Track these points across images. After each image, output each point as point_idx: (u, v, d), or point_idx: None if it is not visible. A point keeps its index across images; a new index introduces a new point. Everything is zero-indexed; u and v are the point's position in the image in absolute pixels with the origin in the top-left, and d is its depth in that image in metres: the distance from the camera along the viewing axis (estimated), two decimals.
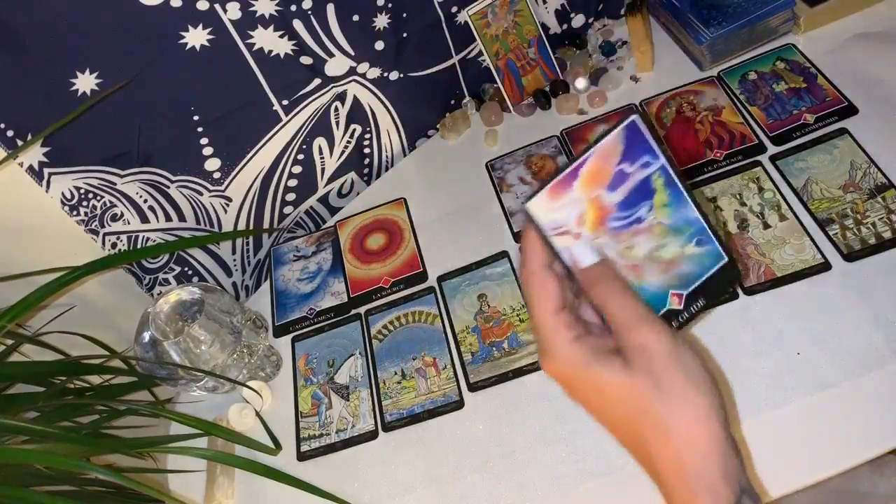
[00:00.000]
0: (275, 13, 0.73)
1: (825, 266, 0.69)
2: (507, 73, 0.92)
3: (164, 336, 0.71)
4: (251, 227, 0.92)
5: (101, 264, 0.75)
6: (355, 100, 0.87)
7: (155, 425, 0.88)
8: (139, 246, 0.84)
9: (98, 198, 0.78)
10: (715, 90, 0.85)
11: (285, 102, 0.82)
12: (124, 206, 0.80)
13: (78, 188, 0.76)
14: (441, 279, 0.82)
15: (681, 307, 0.41)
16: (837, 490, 0.82)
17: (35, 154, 0.72)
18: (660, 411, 0.36)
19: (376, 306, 0.83)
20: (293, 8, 0.73)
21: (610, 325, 0.38)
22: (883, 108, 0.77)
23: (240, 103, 0.79)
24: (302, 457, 0.74)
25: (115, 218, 0.81)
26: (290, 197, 0.93)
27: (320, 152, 0.90)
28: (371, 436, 0.73)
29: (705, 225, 0.41)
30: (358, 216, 0.93)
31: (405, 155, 0.98)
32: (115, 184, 0.78)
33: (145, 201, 0.81)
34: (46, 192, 0.75)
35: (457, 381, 0.74)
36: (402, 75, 0.87)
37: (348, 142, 0.92)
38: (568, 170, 0.39)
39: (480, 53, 0.92)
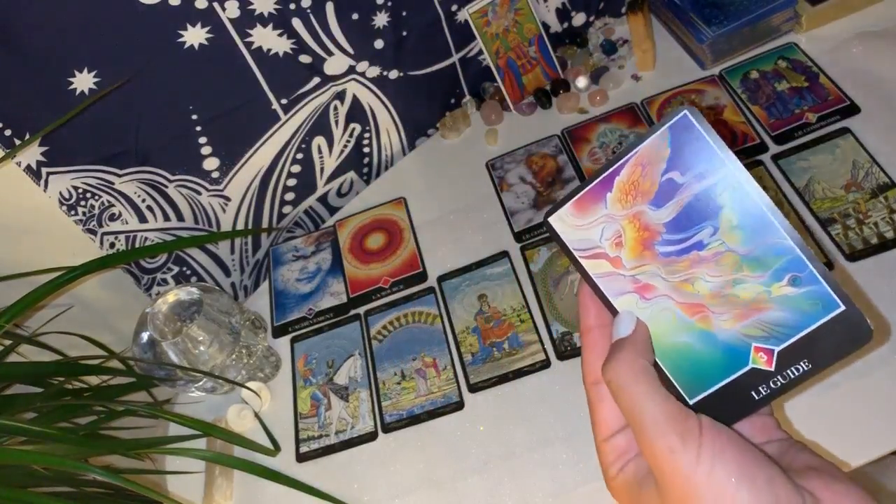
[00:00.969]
0: (274, 11, 0.72)
1: (828, 266, 0.68)
2: (507, 72, 0.92)
3: (163, 336, 0.71)
4: (250, 226, 0.92)
5: (99, 264, 0.75)
6: (355, 99, 0.87)
7: (153, 426, 0.88)
8: (137, 246, 0.84)
9: (96, 197, 0.78)
10: (717, 89, 0.85)
11: (284, 101, 0.81)
12: (122, 205, 0.80)
13: (76, 188, 0.76)
14: (441, 279, 0.82)
15: (771, 368, 0.30)
16: None
17: (33, 153, 0.72)
18: None
19: (376, 306, 0.83)
20: (292, 6, 0.73)
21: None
22: (885, 108, 0.77)
23: (238, 102, 0.78)
24: (301, 458, 0.74)
25: (113, 217, 0.80)
26: (289, 196, 0.92)
27: (319, 151, 0.90)
28: (370, 437, 0.73)
29: (803, 257, 0.29)
30: (357, 216, 0.92)
31: (405, 154, 0.98)
32: (113, 183, 0.78)
33: (143, 201, 0.81)
34: (44, 191, 0.74)
35: (457, 381, 0.74)
36: (401, 74, 0.87)
37: (348, 141, 0.91)
38: (598, 179, 0.31)
39: (481, 52, 0.92)
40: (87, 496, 0.75)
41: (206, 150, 0.81)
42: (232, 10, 0.70)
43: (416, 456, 0.70)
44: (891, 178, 0.71)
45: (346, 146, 0.92)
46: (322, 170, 0.93)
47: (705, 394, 0.31)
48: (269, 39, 0.75)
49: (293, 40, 0.76)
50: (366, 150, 0.94)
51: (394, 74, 0.86)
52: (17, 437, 0.63)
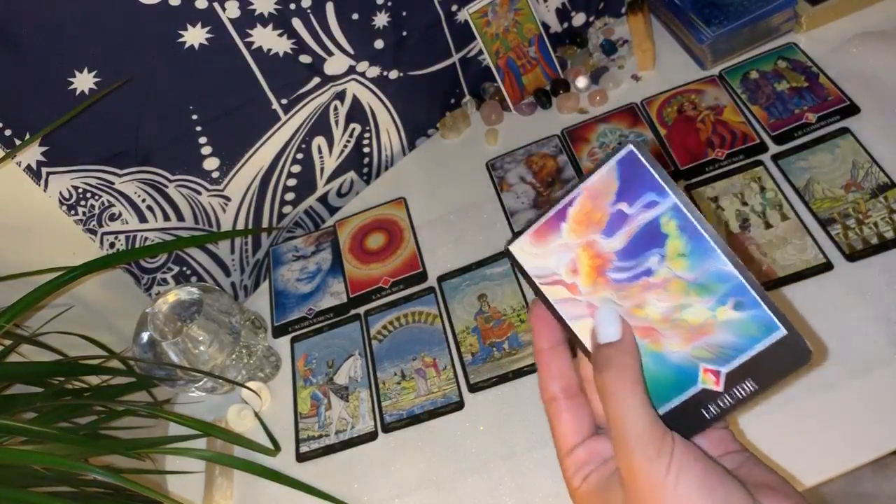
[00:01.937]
0: (274, 12, 0.73)
1: (827, 266, 0.68)
2: (507, 72, 0.92)
3: (163, 336, 0.71)
4: (250, 226, 0.92)
5: (99, 264, 0.75)
6: (355, 99, 0.87)
7: (153, 426, 0.88)
8: (137, 245, 0.84)
9: (96, 197, 0.78)
10: (716, 89, 0.85)
11: (284, 101, 0.81)
12: (122, 205, 0.80)
13: (76, 187, 0.76)
14: (441, 279, 0.82)
15: (720, 388, 0.32)
16: (840, 492, 0.82)
17: (33, 153, 0.72)
18: None
19: (376, 306, 0.83)
20: (292, 6, 0.73)
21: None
22: (885, 107, 0.77)
23: (239, 102, 0.78)
24: (301, 458, 0.74)
25: (113, 217, 0.80)
26: (290, 196, 0.92)
27: (319, 151, 0.90)
28: (370, 437, 0.73)
29: (745, 283, 0.31)
30: (357, 216, 0.92)
31: (405, 154, 0.98)
32: (113, 183, 0.78)
33: (143, 201, 0.81)
34: (44, 191, 0.74)
35: (457, 381, 0.74)
36: (401, 74, 0.87)
37: (348, 141, 0.91)
38: (553, 210, 0.33)
39: (481, 52, 0.92)
40: (88, 496, 0.75)
41: (206, 150, 0.81)
42: (232, 11, 0.70)
43: (416, 456, 0.70)
44: (890, 178, 0.71)
45: (346, 146, 0.92)
46: (322, 170, 0.93)
47: (660, 412, 0.32)
48: (269, 39, 0.75)
49: (293, 40, 0.76)
50: (366, 150, 0.94)
51: (394, 74, 0.86)
52: (17, 436, 0.63)
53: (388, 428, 0.73)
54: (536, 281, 0.34)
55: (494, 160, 0.90)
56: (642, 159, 0.31)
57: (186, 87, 0.74)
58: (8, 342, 0.77)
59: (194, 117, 0.77)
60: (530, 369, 0.71)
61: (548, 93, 0.93)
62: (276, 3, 0.72)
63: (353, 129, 0.91)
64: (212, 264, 0.92)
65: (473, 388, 0.73)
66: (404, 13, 0.81)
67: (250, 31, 0.73)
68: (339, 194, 0.98)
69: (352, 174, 0.96)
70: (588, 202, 0.32)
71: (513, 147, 0.90)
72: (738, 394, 0.31)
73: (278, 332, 0.85)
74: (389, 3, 0.79)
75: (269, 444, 0.75)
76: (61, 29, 0.65)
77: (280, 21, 0.74)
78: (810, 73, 0.82)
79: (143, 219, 0.82)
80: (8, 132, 0.68)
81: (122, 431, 0.82)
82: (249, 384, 0.77)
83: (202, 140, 0.80)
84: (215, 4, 0.69)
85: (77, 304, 0.83)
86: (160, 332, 0.71)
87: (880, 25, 0.83)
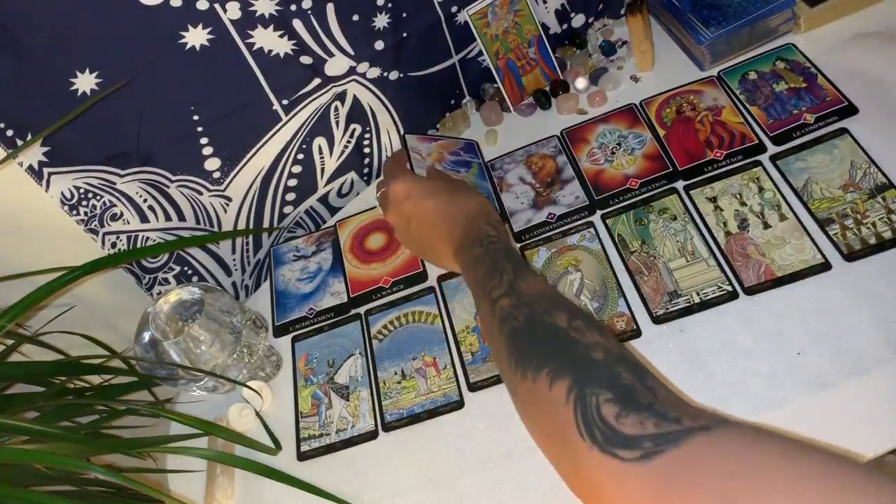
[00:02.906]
0: (275, 13, 0.73)
1: (825, 266, 0.69)
2: (507, 73, 0.92)
3: (164, 336, 0.71)
4: (251, 226, 0.92)
5: (100, 264, 0.75)
6: (355, 99, 0.87)
7: (155, 425, 0.88)
8: (139, 245, 0.84)
9: (98, 197, 0.78)
10: (715, 90, 0.85)
11: (285, 102, 0.82)
12: (124, 205, 0.80)
13: (78, 188, 0.76)
14: (441, 279, 0.82)
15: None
16: None
17: (35, 154, 0.72)
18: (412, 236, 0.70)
19: (376, 306, 0.83)
20: (293, 7, 0.73)
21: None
22: (883, 108, 0.77)
23: (240, 103, 0.79)
24: (302, 457, 0.74)
25: (114, 217, 0.81)
26: (290, 196, 0.93)
27: (320, 152, 0.90)
28: (371, 436, 0.73)
29: (491, 190, 0.84)
30: (358, 216, 0.93)
31: None
32: (114, 183, 0.78)
33: (145, 201, 0.81)
34: (46, 191, 0.74)
35: (457, 381, 0.74)
36: (402, 75, 0.87)
37: (348, 141, 0.92)
38: (436, 141, 0.78)
39: (480, 53, 0.92)
40: (89, 495, 0.75)
41: (207, 151, 0.81)
42: (233, 12, 0.71)
43: (417, 455, 0.71)
44: (889, 179, 0.72)
45: (346, 147, 0.92)
46: (323, 170, 0.93)
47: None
48: (270, 40, 0.75)
49: (294, 41, 0.76)
50: (366, 150, 0.95)
51: (394, 75, 0.87)
52: (19, 436, 0.64)
53: (388, 427, 0.73)
54: (410, 151, 0.78)
55: (494, 161, 0.90)
56: (476, 148, 0.80)
57: (188, 87, 0.75)
58: (10, 342, 0.77)
59: (195, 118, 0.77)
60: None
61: (547, 94, 0.93)
62: (276, 5, 0.72)
63: (354, 130, 0.91)
64: (213, 264, 0.92)
65: (473, 388, 0.73)
66: (404, 14, 0.81)
67: (251, 32, 0.73)
68: (340, 194, 0.98)
69: (352, 174, 0.96)
70: (447, 144, 0.78)
71: (512, 148, 0.90)
72: None
73: (279, 331, 0.85)
74: (390, 5, 0.79)
75: (270, 443, 0.75)
76: (63, 30, 0.65)
77: (281, 22, 0.74)
78: (809, 74, 0.82)
79: (144, 219, 0.83)
80: (10, 132, 0.69)
81: (124, 431, 0.82)
82: (250, 383, 0.78)
83: (203, 140, 0.80)
84: (216, 6, 0.69)
85: (79, 304, 0.84)
86: (161, 331, 0.71)
87: (879, 26, 0.83)
